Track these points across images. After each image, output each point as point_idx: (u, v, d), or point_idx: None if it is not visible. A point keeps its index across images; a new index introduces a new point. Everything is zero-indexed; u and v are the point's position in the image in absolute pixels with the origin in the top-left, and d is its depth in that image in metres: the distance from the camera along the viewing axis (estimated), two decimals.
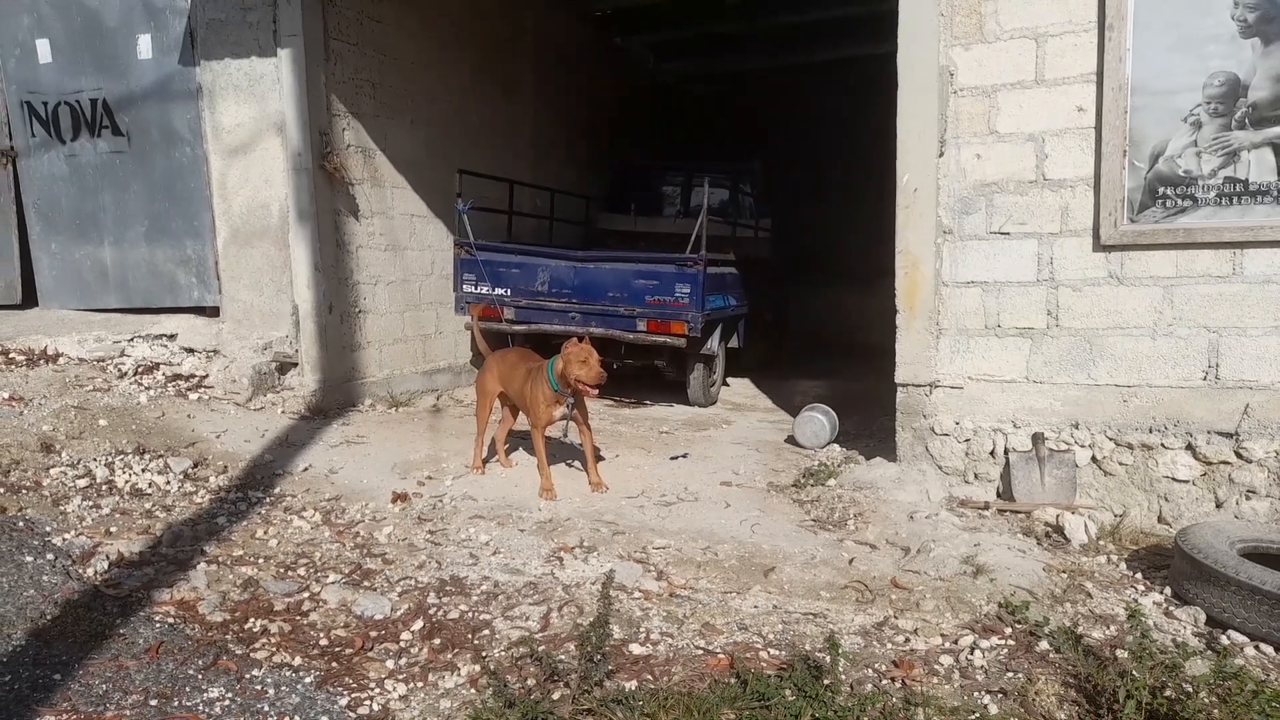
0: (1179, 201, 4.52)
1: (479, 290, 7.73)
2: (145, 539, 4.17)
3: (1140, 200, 4.58)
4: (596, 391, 4.92)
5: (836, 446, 6.23)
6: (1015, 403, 4.94)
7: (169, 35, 7.14)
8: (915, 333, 5.07)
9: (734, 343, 8.54)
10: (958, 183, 4.94)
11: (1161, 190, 4.55)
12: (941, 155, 4.94)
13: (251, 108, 6.92)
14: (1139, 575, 3.96)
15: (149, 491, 4.87)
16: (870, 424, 6.94)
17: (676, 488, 5.21)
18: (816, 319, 12.07)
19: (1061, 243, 4.77)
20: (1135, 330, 4.67)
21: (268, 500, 4.87)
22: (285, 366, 6.99)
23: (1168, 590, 3.74)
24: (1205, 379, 4.56)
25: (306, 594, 3.73)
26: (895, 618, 3.56)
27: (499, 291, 7.67)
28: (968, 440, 5.00)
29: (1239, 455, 4.48)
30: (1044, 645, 3.26)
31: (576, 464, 5.54)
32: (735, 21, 11.77)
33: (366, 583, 3.85)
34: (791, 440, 6.47)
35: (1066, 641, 3.23)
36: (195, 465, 5.26)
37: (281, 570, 3.95)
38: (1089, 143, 4.67)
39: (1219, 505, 4.53)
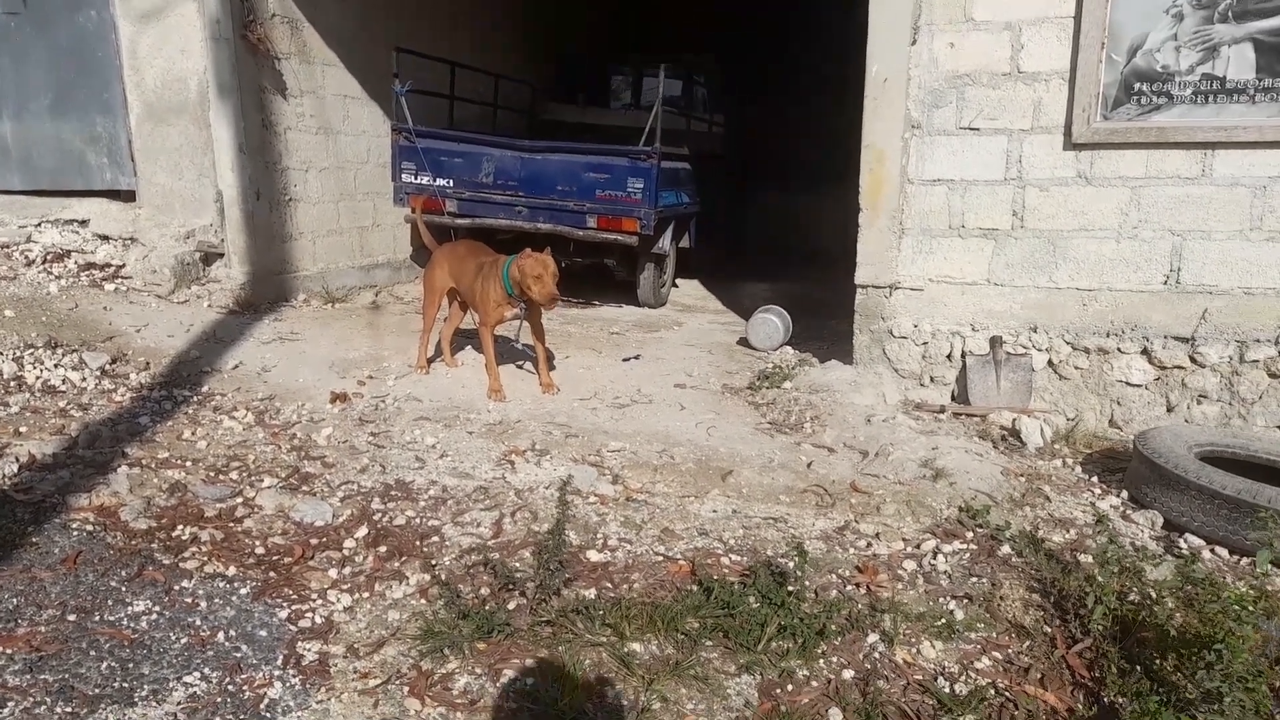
0: (1154, 99, 4.37)
1: (419, 180, 7.31)
2: (59, 440, 3.86)
3: (1115, 96, 4.42)
4: (552, 308, 4.65)
5: (789, 349, 6.13)
6: (975, 305, 4.84)
7: None
8: (878, 232, 4.91)
9: (685, 242, 8.30)
10: (929, 73, 4.70)
11: (1138, 86, 4.38)
12: (914, 43, 4.68)
13: None
14: (1095, 479, 3.96)
15: (63, 389, 4.53)
16: (823, 327, 6.85)
17: (630, 390, 5.05)
18: (768, 222, 11.84)
19: (1032, 140, 4.60)
20: (1100, 232, 4.57)
21: (195, 399, 4.57)
22: (210, 257, 6.55)
23: (1125, 494, 3.74)
24: (1166, 283, 4.51)
25: (240, 499, 3.50)
26: (856, 522, 3.50)
27: (440, 182, 7.26)
28: (925, 343, 4.92)
29: (1193, 360, 4.47)
30: (1006, 550, 3.23)
31: (527, 366, 5.33)
32: None
33: (305, 487, 3.64)
34: (744, 342, 6.35)
35: (1028, 546, 3.20)
36: (114, 361, 4.91)
37: (212, 474, 3.71)
38: (1067, 33, 4.45)
39: (1170, 409, 4.55)
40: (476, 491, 3.65)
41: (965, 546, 3.28)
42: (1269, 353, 4.34)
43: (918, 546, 3.29)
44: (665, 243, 7.56)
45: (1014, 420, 4.48)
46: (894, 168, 4.80)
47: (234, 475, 3.71)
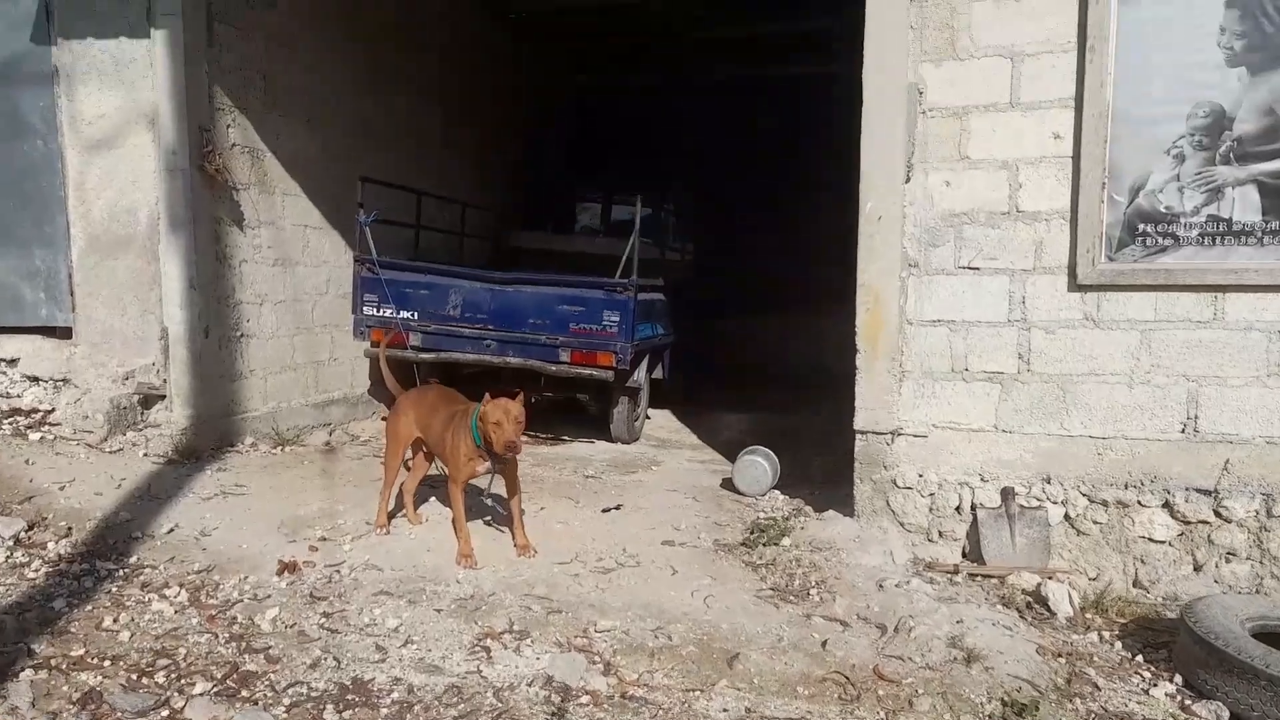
0: (1159, 240, 4.21)
1: (381, 313, 6.95)
2: None
3: (1119, 237, 4.26)
4: (512, 455, 4.23)
5: (778, 493, 5.75)
6: (983, 454, 4.54)
7: (18, 7, 6.11)
8: (877, 375, 4.63)
9: (658, 374, 7.99)
10: (925, 211, 4.52)
11: (1141, 227, 4.23)
12: (908, 181, 4.52)
13: (118, 96, 5.98)
14: (1139, 659, 3.57)
15: None
16: (808, 464, 6.51)
17: (614, 549, 4.59)
18: (737, 348, 11.66)
19: (1035, 280, 4.41)
20: (1111, 377, 4.33)
21: (121, 573, 4.01)
22: (150, 400, 6.04)
23: (1178, 678, 3.35)
24: (1184, 432, 4.26)
25: (166, 711, 2.95)
26: None
27: (405, 315, 6.91)
28: (932, 494, 4.58)
29: (1218, 514, 4.18)
30: None
31: (498, 521, 4.85)
32: (659, 34, 11.29)
33: (245, 692, 3.09)
34: (729, 485, 5.95)
35: None
36: (30, 527, 4.35)
37: (134, 676, 3.15)
38: (1066, 173, 4.32)
39: (1198, 568, 4.22)
40: (448, 692, 3.14)
41: None
42: None
43: None
44: (640, 376, 7.23)
45: (1039, 585, 4.11)
46: (892, 307, 4.56)
47: (160, 677, 3.15)
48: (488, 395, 4.27)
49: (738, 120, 13.28)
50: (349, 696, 3.09)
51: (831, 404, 9.69)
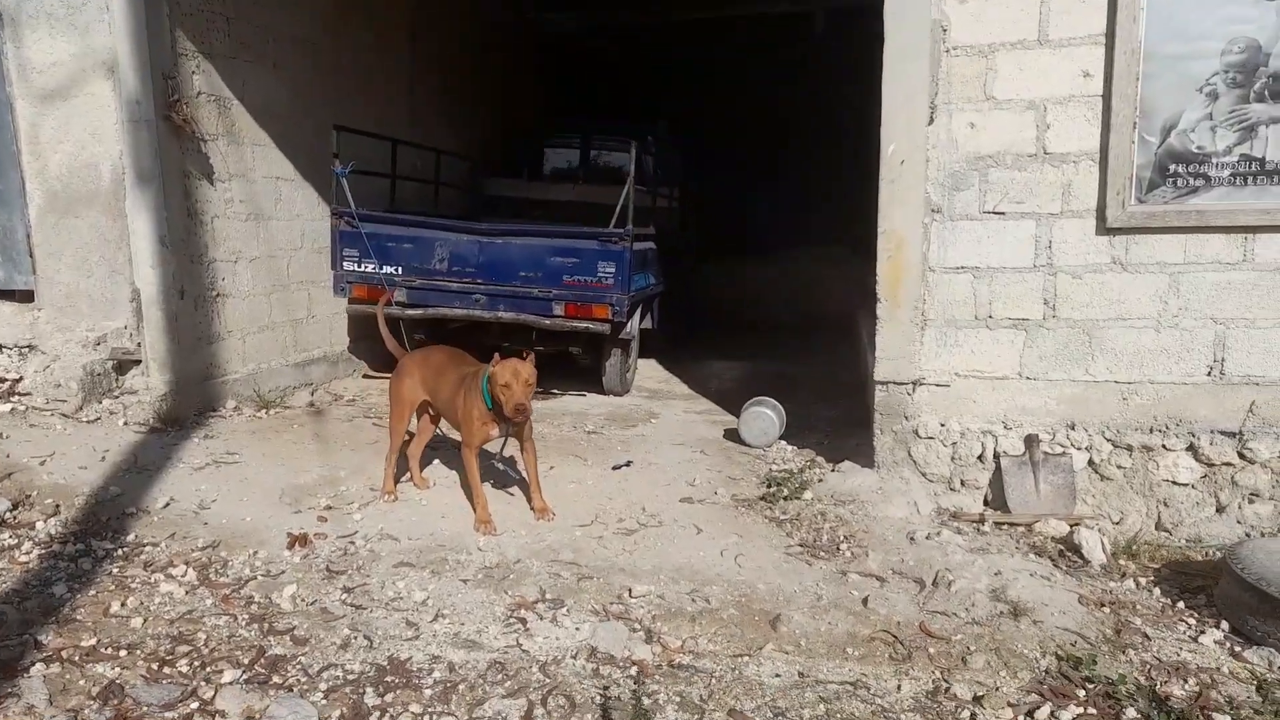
0: (1191, 180, 4.11)
1: (363, 268, 6.65)
2: None
3: (1150, 179, 4.15)
4: (522, 419, 4.05)
5: (785, 444, 5.66)
6: (1007, 401, 4.47)
7: None
8: (898, 324, 4.51)
9: (647, 323, 7.81)
10: (949, 154, 4.37)
11: (1173, 168, 4.13)
12: (931, 123, 4.35)
13: (71, 42, 5.53)
14: (1181, 605, 3.55)
15: None
16: (810, 414, 6.42)
17: (633, 509, 4.47)
18: (722, 295, 11.50)
19: (1062, 224, 4.30)
20: (1138, 322, 4.27)
21: (120, 553, 3.79)
22: (125, 365, 5.73)
23: (1224, 625, 3.33)
24: (1210, 375, 4.22)
25: (195, 703, 2.77)
26: (946, 681, 2.98)
27: (388, 270, 6.62)
28: (954, 444, 4.51)
29: (1242, 456, 4.17)
30: (1131, 714, 2.76)
31: (510, 485, 4.69)
32: None
33: (277, 677, 2.92)
34: (733, 437, 5.85)
35: (1154, 707, 2.74)
36: (15, 506, 4.08)
37: (155, 666, 2.95)
38: (1095, 113, 4.19)
39: (1220, 510, 4.23)
40: (491, 669, 3.00)
41: (1082, 711, 2.80)
42: None
43: (1031, 715, 2.79)
44: (633, 327, 7.06)
45: (1069, 532, 4.07)
46: (914, 255, 4.43)
47: (183, 666, 2.96)
48: (497, 356, 4.07)
49: (724, 61, 12.95)
50: (388, 678, 2.93)
51: (823, 350, 9.67)
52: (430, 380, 4.38)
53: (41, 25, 5.57)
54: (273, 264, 6.79)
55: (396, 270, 6.63)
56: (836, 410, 6.68)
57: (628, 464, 5.16)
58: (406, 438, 4.66)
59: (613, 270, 6.31)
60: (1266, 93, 3.98)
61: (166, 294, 5.70)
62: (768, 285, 12.16)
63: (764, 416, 5.63)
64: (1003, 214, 4.35)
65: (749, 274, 12.08)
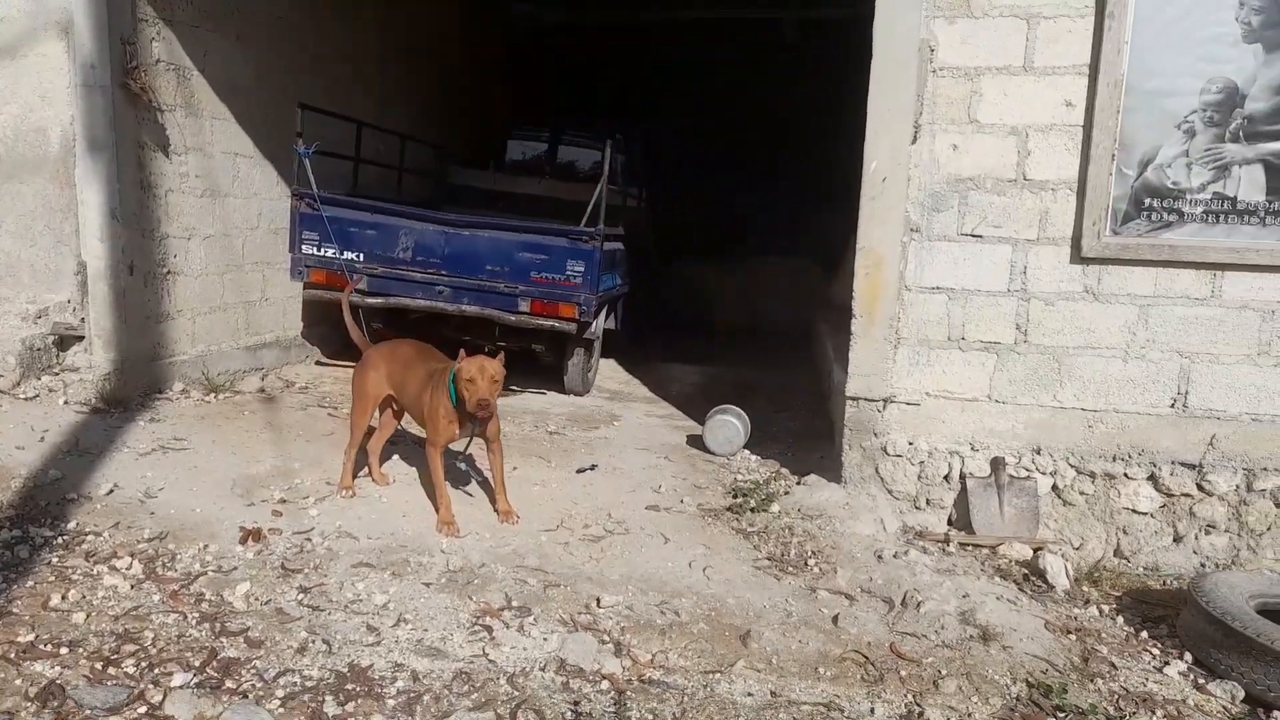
0: (1165, 215, 4.19)
1: (323, 253, 6.45)
2: None
3: (1125, 210, 4.21)
4: (485, 415, 3.94)
5: (749, 454, 5.64)
6: (975, 423, 4.50)
7: None
8: (872, 341, 4.51)
9: (611, 324, 7.73)
10: (930, 175, 4.38)
11: (1148, 201, 4.20)
12: (915, 142, 4.36)
13: None
14: (1145, 635, 3.60)
15: None
16: (772, 422, 6.41)
17: (598, 514, 4.39)
18: (683, 298, 11.47)
19: (1037, 251, 4.34)
20: (1107, 351, 4.33)
21: (60, 541, 3.58)
22: (67, 341, 5.45)
23: (1188, 656, 3.38)
24: (1174, 406, 4.30)
25: (143, 706, 2.62)
26: (919, 705, 2.96)
27: (349, 255, 6.42)
28: (922, 462, 4.52)
29: (1201, 488, 4.26)
30: None
31: (469, 485, 4.57)
32: None
33: (230, 682, 2.78)
34: (697, 443, 5.80)
35: None
36: None
37: (99, 666, 2.79)
38: (1076, 142, 4.24)
39: (1178, 539, 4.31)
40: (457, 679, 2.90)
41: None
42: (1277, 482, 4.18)
43: None
44: (598, 327, 6.97)
45: (1036, 556, 4.11)
46: (892, 273, 4.43)
47: (129, 667, 2.80)
48: (463, 352, 3.97)
49: (697, 65, 12.92)
50: (348, 686, 2.81)
51: (782, 359, 9.69)
52: (397, 374, 4.25)
53: None
54: (227, 243, 6.54)
55: (358, 256, 6.44)
56: (798, 421, 6.69)
57: (592, 467, 5.08)
58: (367, 431, 4.51)
59: (582, 269, 6.22)
60: (1241, 133, 4.06)
61: (115, 268, 5.45)
62: (729, 291, 12.18)
63: (729, 425, 5.60)
64: (980, 237, 4.37)
65: (711, 279, 12.08)
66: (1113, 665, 3.29)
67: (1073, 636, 3.48)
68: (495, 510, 4.22)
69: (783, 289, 12.18)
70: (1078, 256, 4.28)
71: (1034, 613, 3.63)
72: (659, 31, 12.10)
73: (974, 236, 4.38)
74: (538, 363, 7.25)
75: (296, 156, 6.39)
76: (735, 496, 4.74)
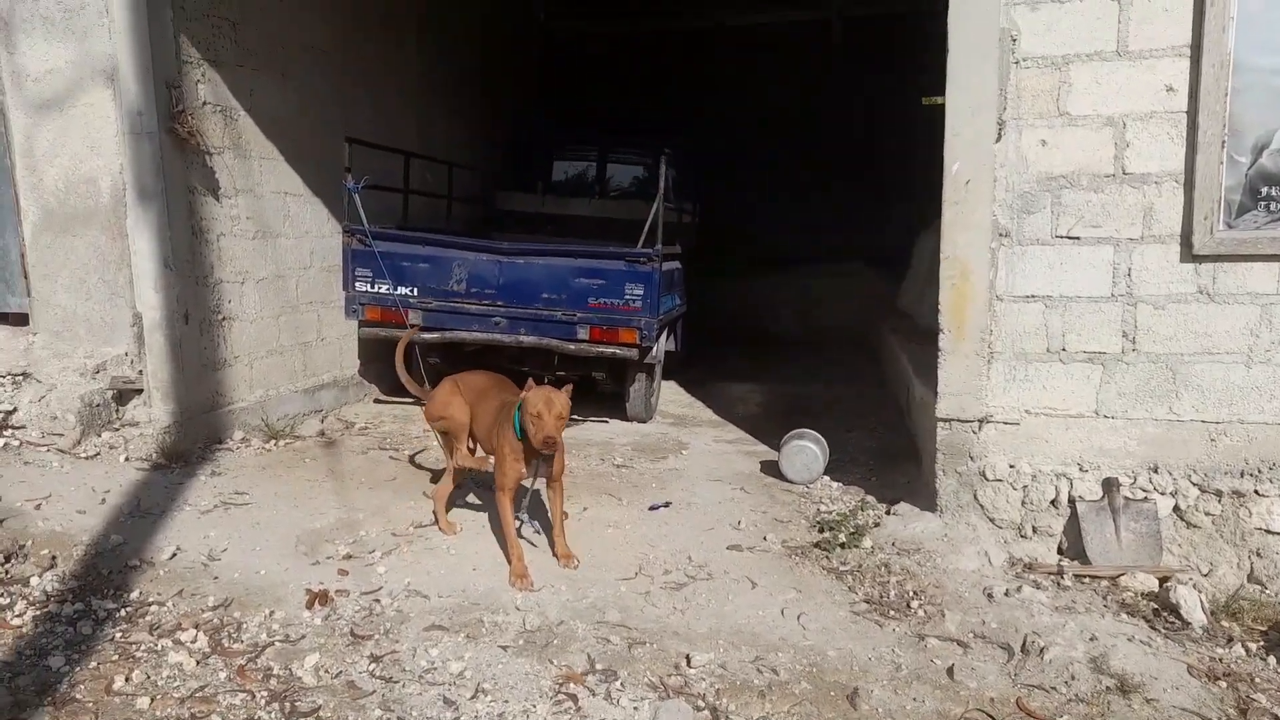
0: None
1: (377, 289, 6.32)
2: None
3: (1240, 202, 3.84)
4: (549, 451, 3.74)
5: (829, 480, 5.33)
6: (1082, 441, 4.14)
7: None
8: (963, 357, 4.18)
9: (671, 345, 7.48)
10: (1018, 175, 4.05)
11: (1265, 190, 3.82)
12: (999, 140, 4.03)
13: (69, 48, 5.20)
14: None
15: None
16: (846, 446, 6.07)
17: (677, 557, 4.13)
18: (733, 310, 11.18)
19: (1143, 251, 3.98)
20: (1227, 357, 3.95)
21: (123, 614, 3.43)
22: (126, 395, 5.37)
23: None
24: None
25: None
26: None
27: (402, 290, 6.28)
28: (1025, 487, 4.18)
29: None
30: None
31: (538, 533, 4.33)
32: None
33: None
34: (771, 470, 5.51)
35: None
36: (8, 559, 3.72)
37: None
38: (1180, 130, 3.88)
39: None
40: None
41: None
42: None
43: None
44: (659, 350, 6.72)
45: (1161, 586, 3.74)
46: (980, 282, 4.11)
47: None
48: (530, 382, 3.76)
49: (737, 72, 12.64)
50: None
51: (841, 370, 9.35)
52: (475, 404, 4.10)
53: (37, 30, 5.23)
54: (281, 284, 6.44)
55: (411, 291, 6.30)
56: (874, 440, 6.36)
57: (666, 505, 4.82)
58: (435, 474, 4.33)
59: (641, 292, 5.99)
60: None
61: (170, 318, 5.36)
62: (780, 301, 11.85)
63: (807, 451, 5.29)
64: (1077, 239, 4.03)
65: (763, 290, 11.76)
66: (1275, 717, 2.92)
67: (1222, 683, 3.11)
68: (554, 554, 3.99)
69: (837, 297, 11.83)
70: (1188, 255, 3.91)
71: (1173, 655, 3.27)
72: (701, 39, 11.86)
73: (1070, 239, 4.04)
74: (597, 390, 7.03)
75: (346, 192, 6.27)
76: (821, 530, 4.44)
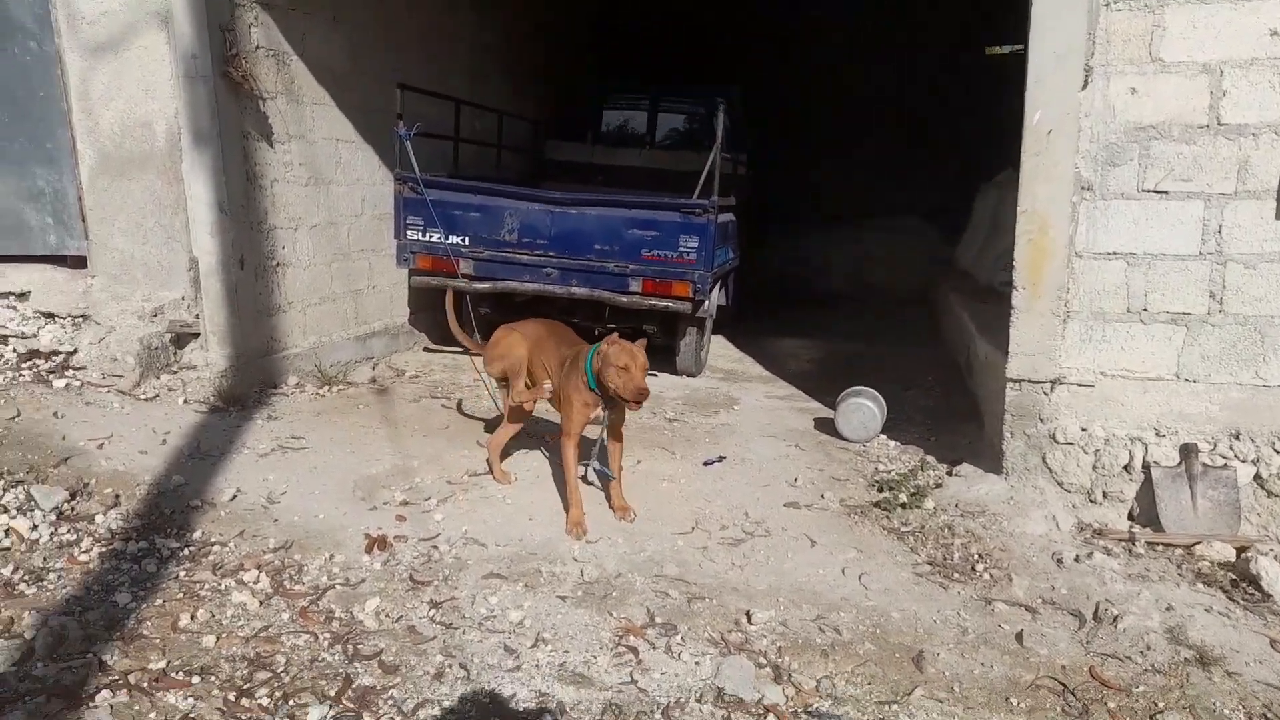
0: None
1: (428, 238, 6.26)
2: (8, 649, 2.73)
3: None
4: (638, 406, 3.72)
5: (886, 439, 5.22)
6: (1160, 405, 3.98)
7: None
8: (1037, 315, 4.03)
9: (722, 299, 7.35)
10: (1104, 124, 3.85)
11: None
12: (1085, 88, 3.83)
13: None
14: None
15: (5, 544, 3.38)
16: (902, 405, 5.92)
17: (734, 513, 4.07)
18: (785, 265, 11.00)
19: (1235, 207, 3.78)
20: None
21: (186, 553, 3.46)
22: (183, 338, 5.40)
23: None
24: None
25: None
26: None
27: (454, 239, 6.22)
28: (1097, 451, 4.03)
29: None
30: None
31: (594, 485, 4.30)
32: None
33: (368, 715, 2.58)
34: (824, 427, 5.41)
35: None
36: (73, 496, 3.77)
37: (232, 697, 2.62)
38: None
39: None
40: (607, 712, 2.63)
41: None
42: None
43: None
44: (711, 305, 6.60)
45: (1238, 557, 3.60)
46: (1059, 237, 3.93)
47: (263, 697, 2.62)
48: (613, 337, 3.73)
49: (794, 22, 12.30)
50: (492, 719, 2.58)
51: (895, 327, 9.18)
52: (534, 353, 4.05)
53: None
54: (333, 231, 6.42)
55: (463, 240, 6.24)
56: (931, 400, 6.22)
57: (720, 459, 4.76)
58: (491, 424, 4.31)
59: (695, 245, 5.86)
60: None
61: (226, 264, 5.36)
62: (832, 256, 11.64)
63: (864, 409, 5.18)
64: (1165, 193, 3.83)
65: (813, 244, 11.55)
66: None
67: None
68: (610, 506, 3.96)
69: (890, 253, 11.59)
70: None
71: (1254, 628, 3.15)
72: None
73: (1158, 193, 3.84)
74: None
75: (397, 139, 6.20)
76: (880, 490, 4.35)
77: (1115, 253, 3.92)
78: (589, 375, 3.72)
